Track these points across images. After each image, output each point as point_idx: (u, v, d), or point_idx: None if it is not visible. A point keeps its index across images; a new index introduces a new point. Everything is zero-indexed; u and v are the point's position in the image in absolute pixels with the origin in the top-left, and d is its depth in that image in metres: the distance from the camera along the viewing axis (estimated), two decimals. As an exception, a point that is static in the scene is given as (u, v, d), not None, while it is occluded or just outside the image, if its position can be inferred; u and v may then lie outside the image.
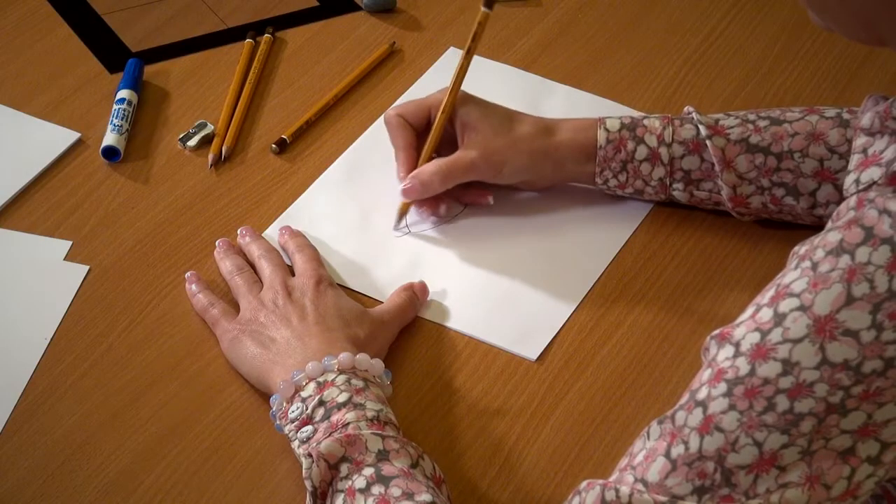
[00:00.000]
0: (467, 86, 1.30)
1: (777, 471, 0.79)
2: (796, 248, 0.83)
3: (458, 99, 1.18)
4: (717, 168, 1.14)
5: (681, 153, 1.15)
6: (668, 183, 1.16)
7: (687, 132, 1.15)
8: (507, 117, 1.18)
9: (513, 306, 1.13)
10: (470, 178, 1.17)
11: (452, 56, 1.35)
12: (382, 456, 0.93)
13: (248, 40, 1.35)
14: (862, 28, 0.84)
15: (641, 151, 1.15)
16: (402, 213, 1.19)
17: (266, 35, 1.36)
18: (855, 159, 0.85)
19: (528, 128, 1.17)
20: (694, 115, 1.16)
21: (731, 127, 1.14)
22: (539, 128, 1.17)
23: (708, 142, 1.14)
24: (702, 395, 0.82)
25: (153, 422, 1.03)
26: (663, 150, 1.15)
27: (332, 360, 0.99)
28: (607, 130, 1.16)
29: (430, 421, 1.04)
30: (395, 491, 0.90)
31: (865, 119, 0.86)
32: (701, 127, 1.14)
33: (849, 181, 0.85)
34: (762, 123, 1.14)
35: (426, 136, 1.19)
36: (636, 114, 1.22)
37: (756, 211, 1.16)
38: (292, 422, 0.97)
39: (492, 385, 1.07)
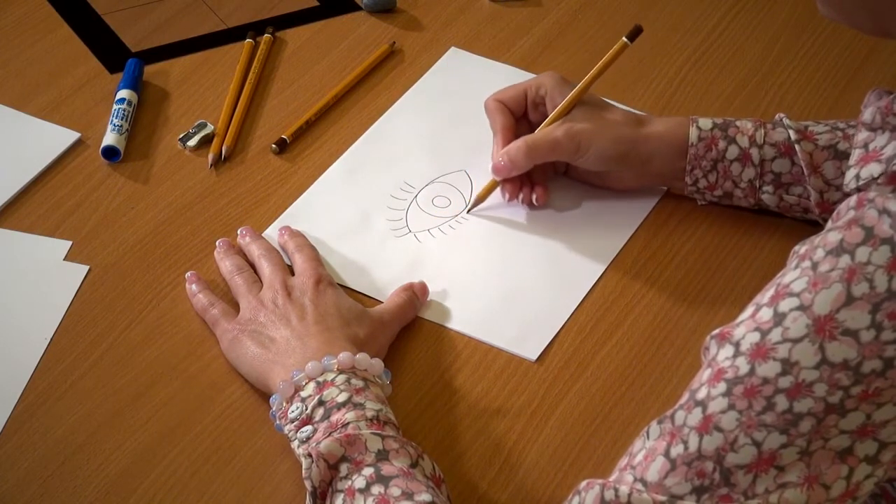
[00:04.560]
0: (472, 85, 1.30)
1: (776, 471, 0.79)
2: (796, 248, 0.83)
3: (553, 82, 1.19)
4: (805, 172, 1.13)
5: (772, 155, 1.15)
6: (757, 185, 1.16)
7: (779, 135, 1.15)
8: (598, 104, 1.19)
9: (513, 306, 1.13)
10: (554, 156, 1.18)
11: (453, 56, 1.35)
12: (382, 456, 0.93)
13: (248, 40, 1.35)
14: (868, 17, 0.84)
15: (732, 151, 1.15)
16: (484, 195, 1.20)
17: (266, 35, 1.36)
18: (856, 154, 0.85)
19: (617, 116, 1.18)
20: (784, 119, 1.16)
21: (820, 133, 1.14)
22: (628, 118, 1.18)
23: (797, 145, 1.13)
24: (701, 394, 0.82)
25: (153, 422, 1.03)
26: (754, 151, 1.15)
27: (332, 360, 0.99)
28: (699, 128, 1.16)
29: (430, 421, 1.04)
30: (395, 491, 0.90)
31: (867, 114, 0.86)
32: (791, 131, 1.14)
33: (849, 176, 0.85)
34: (851, 132, 1.14)
35: (524, 120, 1.21)
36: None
37: None
38: (292, 422, 0.97)
39: (492, 385, 1.07)
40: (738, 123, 1.16)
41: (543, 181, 1.21)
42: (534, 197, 1.19)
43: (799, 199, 1.16)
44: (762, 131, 1.15)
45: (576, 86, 1.18)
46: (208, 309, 1.09)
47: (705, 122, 1.16)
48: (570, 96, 1.17)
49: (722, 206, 1.20)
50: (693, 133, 1.16)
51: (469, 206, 1.20)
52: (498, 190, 1.20)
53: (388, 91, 1.32)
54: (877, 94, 0.87)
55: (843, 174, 1.13)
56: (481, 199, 1.20)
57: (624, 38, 1.18)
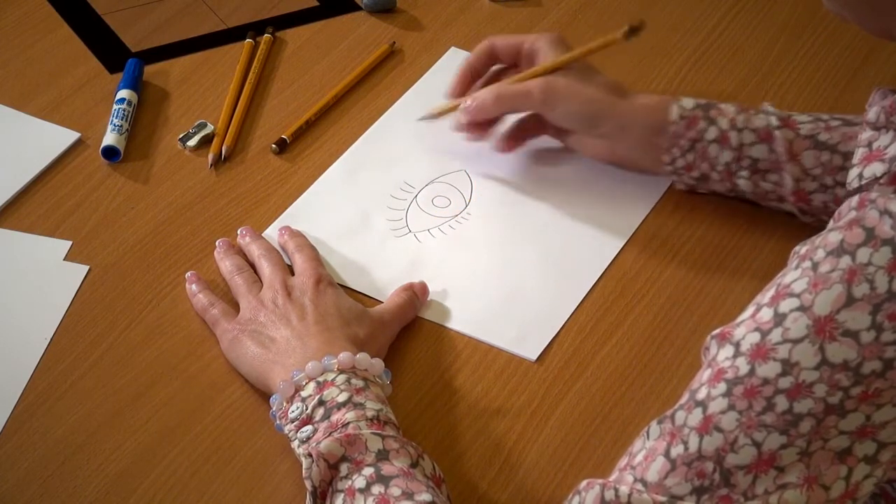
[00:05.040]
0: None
1: (776, 471, 0.79)
2: (797, 248, 0.83)
3: (549, 42, 1.20)
4: (783, 159, 1.13)
5: (751, 140, 1.14)
6: (733, 169, 1.15)
7: (760, 121, 1.14)
8: (585, 68, 1.19)
9: (513, 306, 1.13)
10: (524, 106, 1.19)
11: (453, 56, 1.35)
12: (382, 455, 0.93)
13: (248, 40, 1.35)
14: (871, 15, 0.85)
15: (712, 132, 1.15)
16: (439, 114, 1.22)
17: (266, 35, 1.36)
18: (859, 153, 0.85)
19: (598, 81, 1.18)
20: (768, 107, 1.16)
21: (803, 122, 1.14)
22: (611, 86, 1.18)
23: (777, 132, 1.13)
24: (701, 394, 0.82)
25: (153, 422, 1.03)
26: (733, 134, 1.14)
27: (332, 360, 0.99)
28: (681, 107, 1.16)
29: (430, 421, 1.04)
30: (395, 490, 0.90)
31: (872, 113, 0.86)
32: (772, 118, 1.14)
33: (852, 175, 0.85)
34: (834, 123, 1.14)
35: (507, 71, 1.22)
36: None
37: (817, 211, 1.15)
38: (292, 421, 0.97)
39: (492, 385, 1.07)
40: (721, 106, 1.16)
41: (522, 139, 1.23)
42: (496, 142, 1.21)
43: (775, 186, 1.15)
44: (744, 116, 1.15)
45: (571, 50, 1.19)
46: (208, 309, 1.09)
47: (688, 102, 1.16)
48: (553, 61, 1.18)
49: (712, 198, 1.19)
50: (674, 111, 1.15)
51: (422, 116, 1.23)
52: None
53: (388, 91, 1.32)
54: (881, 94, 0.87)
55: (822, 165, 1.13)
56: (434, 115, 1.22)
57: (624, 29, 1.18)
